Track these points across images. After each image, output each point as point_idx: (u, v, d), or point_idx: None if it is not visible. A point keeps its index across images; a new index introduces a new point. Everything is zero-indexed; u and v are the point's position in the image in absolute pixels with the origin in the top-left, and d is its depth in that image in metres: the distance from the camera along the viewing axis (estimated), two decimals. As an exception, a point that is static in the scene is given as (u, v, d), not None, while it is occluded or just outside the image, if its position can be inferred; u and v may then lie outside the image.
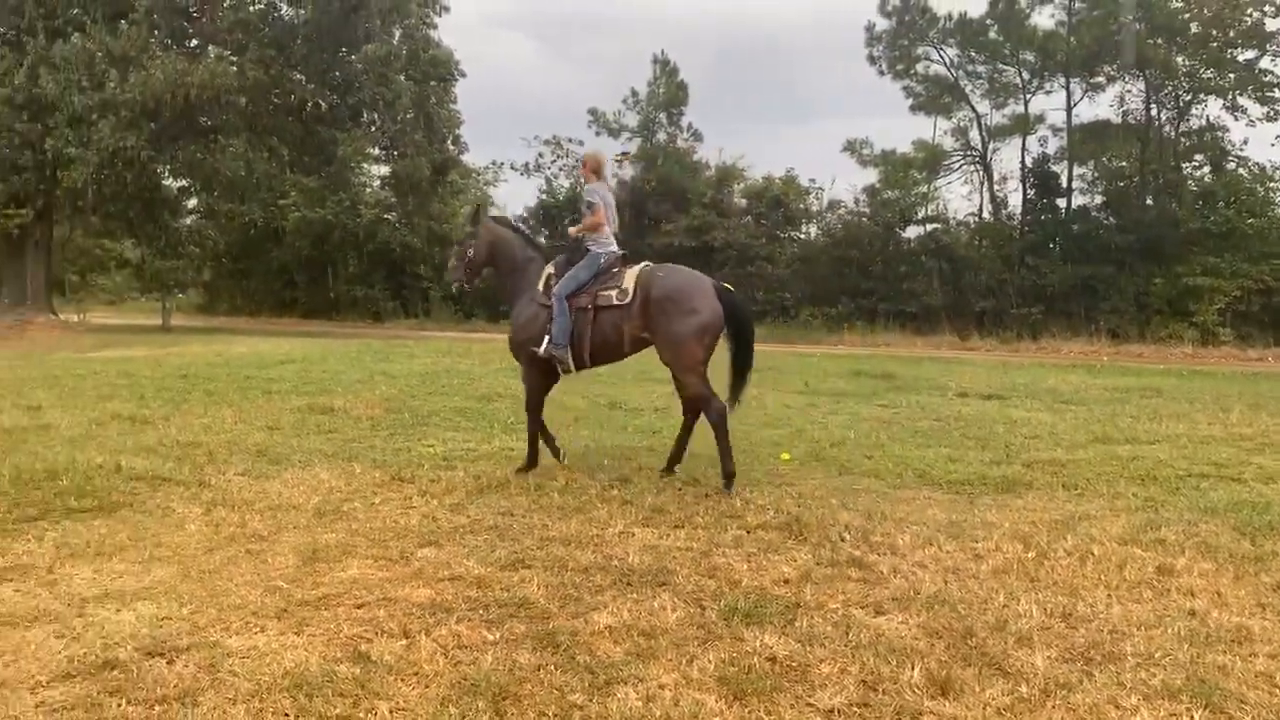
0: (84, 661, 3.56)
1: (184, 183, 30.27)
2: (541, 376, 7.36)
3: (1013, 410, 11.58)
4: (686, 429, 7.38)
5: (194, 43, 27.70)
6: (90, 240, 37.40)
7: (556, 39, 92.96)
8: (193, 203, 33.82)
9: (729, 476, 6.77)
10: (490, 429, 9.31)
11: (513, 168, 39.28)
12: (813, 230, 36.11)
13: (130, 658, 3.60)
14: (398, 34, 27.50)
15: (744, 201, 36.22)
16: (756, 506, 6.24)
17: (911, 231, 33.92)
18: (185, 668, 3.53)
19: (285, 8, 27.01)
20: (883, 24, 33.38)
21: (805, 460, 8.01)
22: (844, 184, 57.28)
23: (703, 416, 7.06)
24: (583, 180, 7.99)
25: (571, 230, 7.54)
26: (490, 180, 47.70)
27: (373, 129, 29.32)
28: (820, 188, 35.46)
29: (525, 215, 38.50)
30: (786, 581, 4.73)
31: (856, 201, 34.53)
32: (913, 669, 3.63)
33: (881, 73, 33.97)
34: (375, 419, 9.85)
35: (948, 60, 33.48)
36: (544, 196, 37.93)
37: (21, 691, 3.32)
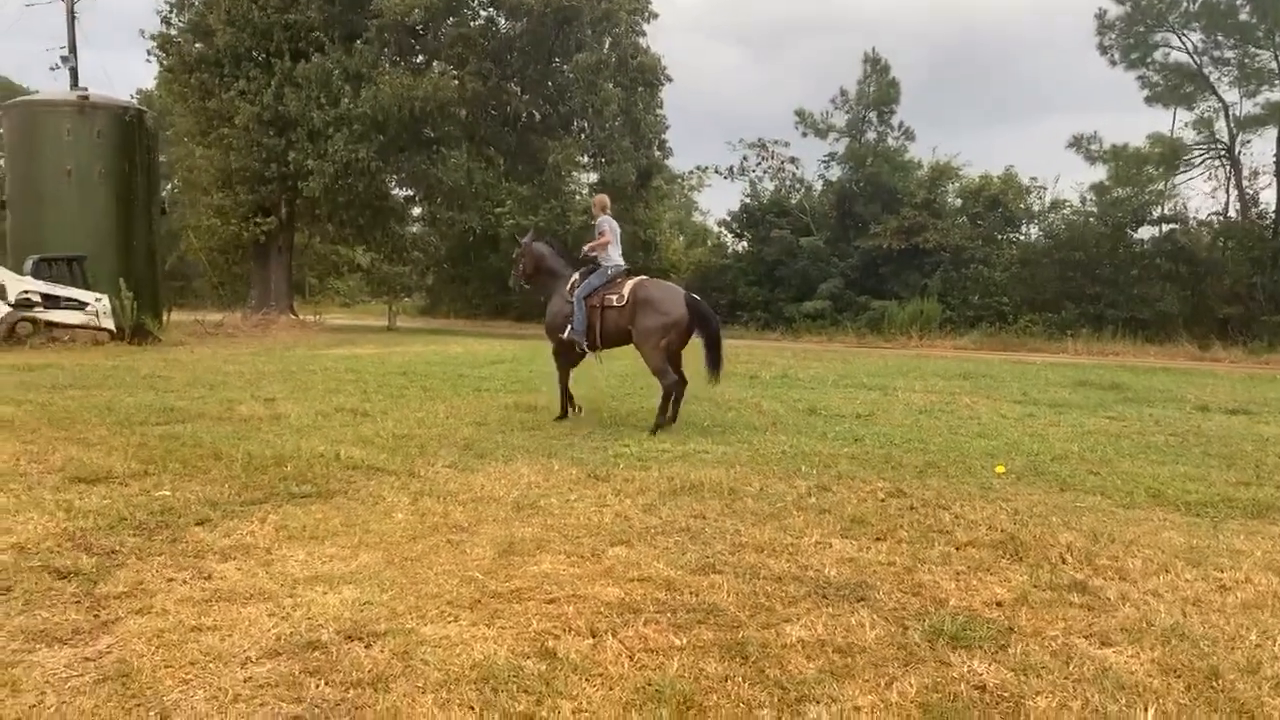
0: (290, 641, 3.71)
1: (409, 192, 32.17)
2: (568, 352, 9.98)
3: (1263, 427, 10.40)
4: (665, 398, 9.57)
5: (420, 59, 29.41)
6: (327, 247, 40.42)
7: (763, 44, 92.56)
8: (417, 211, 35.93)
9: (656, 427, 9.20)
10: (685, 431, 9.23)
11: (717, 171, 39.30)
12: (1034, 231, 34.15)
13: (331, 639, 3.72)
14: (607, 42, 28.11)
15: (959, 201, 34.68)
16: (967, 522, 5.83)
17: (1145, 232, 31.43)
18: (381, 653, 3.61)
19: (503, 21, 28.18)
20: (1115, 10, 31.06)
21: (1022, 474, 7.45)
22: (1069, 182, 53.91)
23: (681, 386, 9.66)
24: (594, 214, 10.55)
25: (585, 249, 10.15)
26: (695, 185, 48.06)
27: (582, 136, 30.09)
28: (1042, 186, 33.50)
29: (728, 219, 38.47)
30: (999, 604, 4.36)
31: (1083, 200, 32.36)
32: (1146, 710, 3.22)
33: (1114, 62, 31.63)
34: (576, 419, 9.99)
35: (1190, 46, 30.74)
36: (747, 199, 37.73)
37: (233, 665, 3.49)
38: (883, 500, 6.43)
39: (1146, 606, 4.31)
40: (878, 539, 5.45)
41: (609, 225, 10.08)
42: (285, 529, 5.34)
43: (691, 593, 4.38)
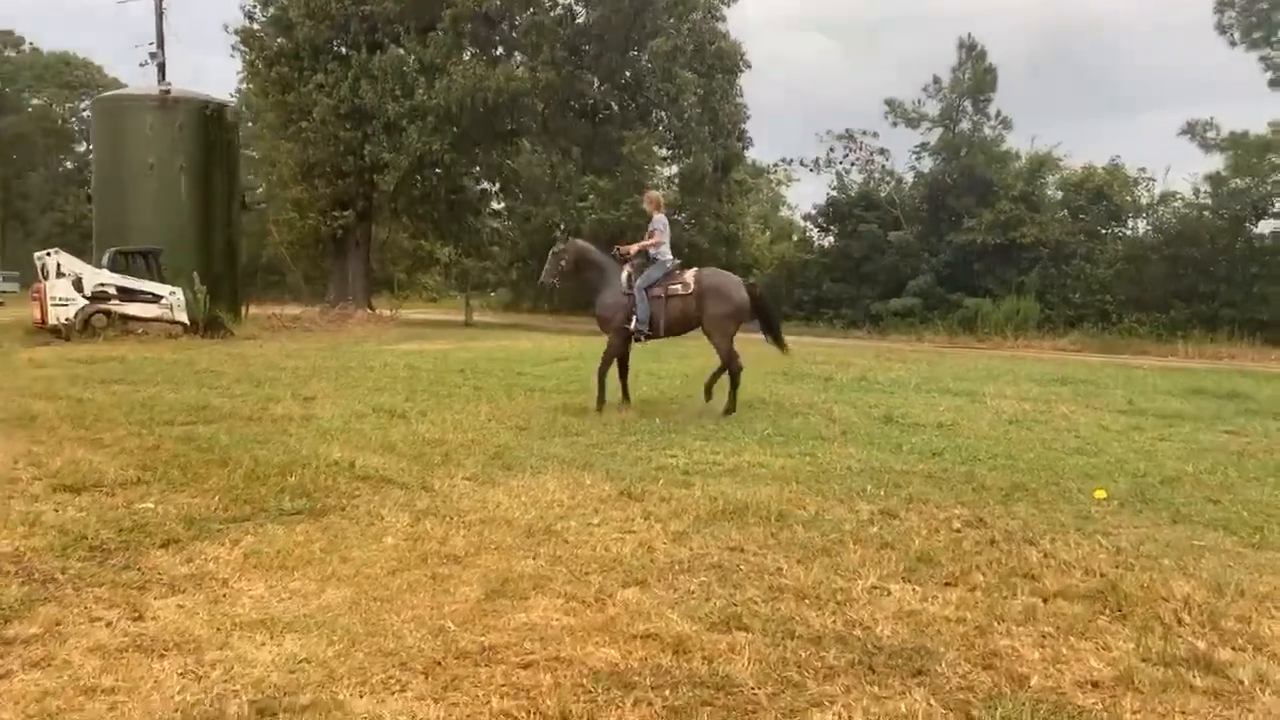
0: (189, 713, 3.01)
1: (485, 185, 31.79)
2: (622, 343, 10.19)
3: None
4: (715, 375, 10.35)
5: (499, 50, 28.98)
6: (413, 241, 40.47)
7: (852, 36, 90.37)
8: (496, 205, 35.62)
9: (729, 411, 9.83)
10: (741, 439, 8.36)
11: (803, 163, 38.02)
12: (1141, 226, 32.07)
13: (240, 713, 3.01)
14: (685, 28, 27.17)
15: (1060, 194, 32.80)
16: (1058, 564, 4.85)
17: (1265, 226, 29.17)
18: (292, 736, 2.89)
19: (580, 9, 27.56)
20: (1236, -12, 28.85)
21: (1126, 500, 6.38)
22: (1181, 173, 50.75)
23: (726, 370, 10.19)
24: (648, 210, 10.76)
25: (633, 248, 10.32)
26: (782, 179, 46.83)
27: (659, 127, 29.27)
28: (1151, 178, 31.46)
29: (814, 213, 37.24)
30: (1095, 684, 3.43)
31: (1196, 193, 30.18)
32: None
33: (1233, 43, 29.42)
34: (625, 423, 9.21)
35: (1321, 24, 28.35)
36: (833, 192, 36.42)
37: (107, 747, 2.80)
38: (958, 531, 5.48)
39: (1294, 696, 3.32)
40: (947, 584, 4.53)
41: (662, 224, 10.38)
42: (256, 554, 4.69)
43: (704, 658, 3.55)
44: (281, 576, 4.40)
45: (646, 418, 9.56)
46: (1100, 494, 6.49)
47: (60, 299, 19.09)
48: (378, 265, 49.49)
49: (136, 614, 3.89)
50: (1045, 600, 4.34)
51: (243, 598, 4.12)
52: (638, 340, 10.19)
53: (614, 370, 10.31)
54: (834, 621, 3.97)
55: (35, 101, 67.67)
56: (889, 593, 4.37)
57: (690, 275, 10.11)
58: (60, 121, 67.53)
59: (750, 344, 11.01)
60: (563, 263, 10.34)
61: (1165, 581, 4.56)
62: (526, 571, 4.51)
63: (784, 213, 46.60)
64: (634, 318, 9.90)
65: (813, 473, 7.03)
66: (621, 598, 4.19)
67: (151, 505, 5.59)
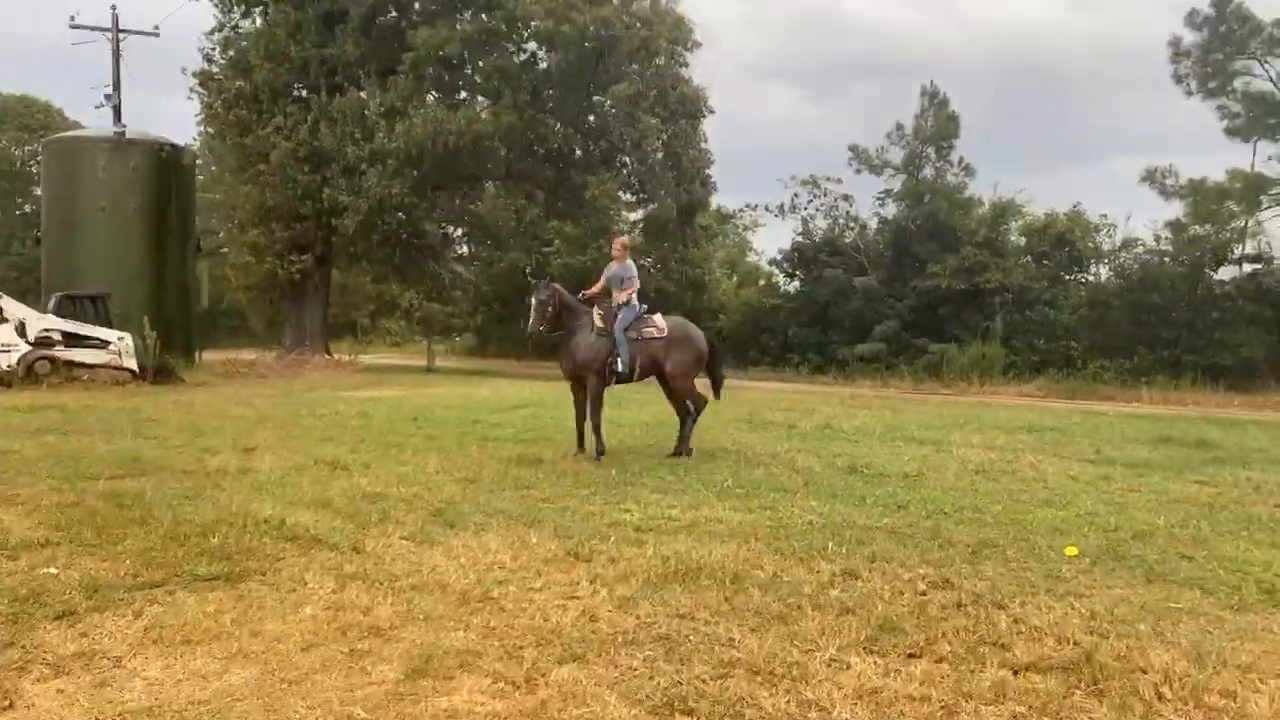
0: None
1: (448, 230, 31.45)
2: (600, 383, 10.11)
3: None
4: (684, 420, 10.46)
5: (462, 94, 28.81)
6: (376, 285, 39.96)
7: (816, 84, 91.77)
8: (460, 250, 35.28)
9: (680, 453, 10.18)
10: (700, 492, 8.01)
11: (768, 209, 38.13)
12: (1103, 272, 32.36)
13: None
14: (649, 74, 27.16)
15: (1023, 240, 33.06)
16: (1029, 630, 4.54)
17: (1225, 273, 29.51)
18: None
19: (542, 54, 27.50)
20: (1191, 38, 29.39)
21: (1098, 557, 6.09)
22: (1141, 220, 51.50)
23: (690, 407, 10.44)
24: (617, 258, 10.65)
25: (622, 296, 10.34)
26: (749, 225, 46.95)
27: (624, 171, 29.17)
28: (1113, 224, 31.79)
29: (779, 258, 37.29)
30: (1073, 777, 3.09)
31: (1157, 239, 30.53)
32: None
33: (1190, 93, 29.87)
34: (580, 474, 8.85)
35: (1274, 75, 28.95)
36: (799, 238, 36.52)
37: None
38: (923, 594, 5.16)
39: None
40: (911, 655, 4.20)
41: (633, 270, 10.59)
42: (158, 628, 4.27)
43: (641, 750, 3.18)
44: (183, 654, 3.99)
45: (604, 468, 9.21)
46: (1071, 551, 6.20)
47: (2, 345, 18.46)
48: (340, 310, 48.90)
49: (7, 702, 3.46)
50: (1016, 673, 4.01)
51: (134, 680, 3.70)
52: (608, 383, 10.20)
53: (575, 415, 10.32)
54: (788, 702, 3.62)
55: (-3, 145, 66.75)
56: (848, 666, 4.02)
57: (661, 320, 10.45)
58: (19, 164, 66.54)
59: (709, 389, 10.83)
60: (549, 309, 10.08)
61: (1143, 650, 4.26)
62: (454, 646, 4.12)
63: (751, 258, 46.65)
64: (618, 360, 9.97)
65: (772, 528, 6.69)
66: (556, 677, 3.81)
67: (55, 571, 5.15)
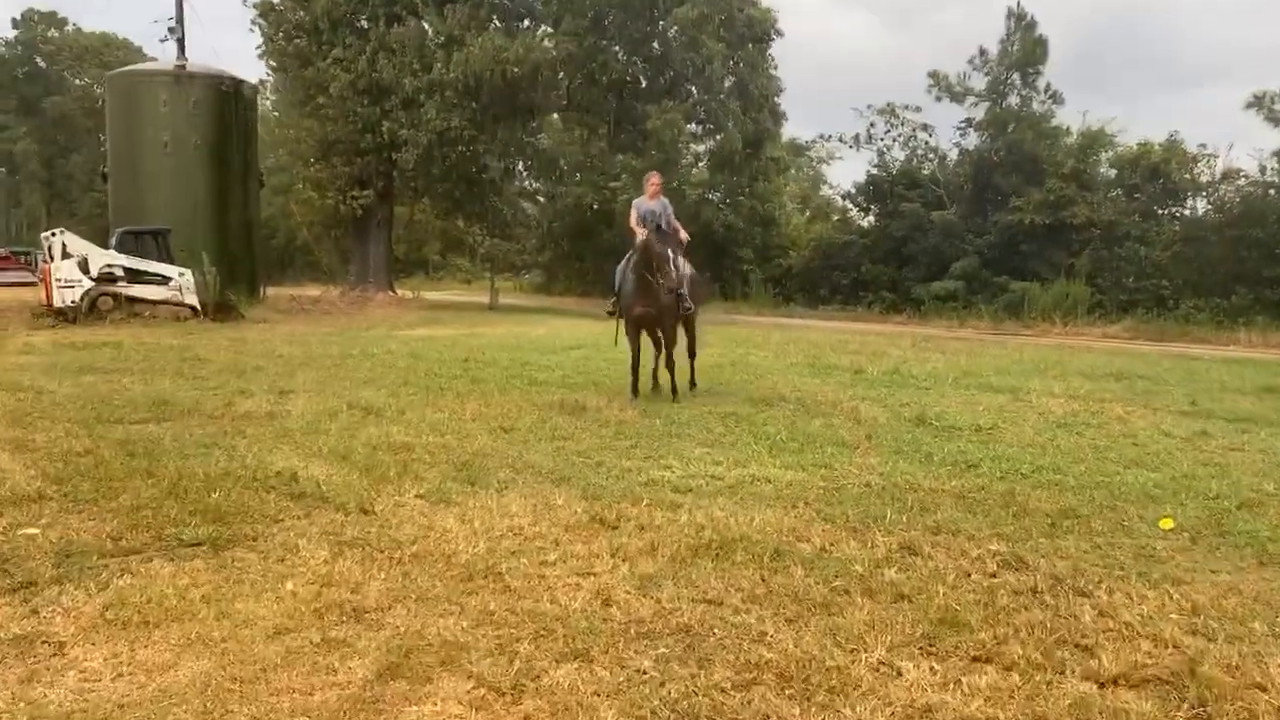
0: None
1: (507, 164, 30.75)
2: (676, 323, 9.87)
3: None
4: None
5: (525, 23, 27.90)
6: (440, 222, 39.61)
7: (897, 7, 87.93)
8: (523, 184, 34.60)
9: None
10: (751, 447, 7.38)
11: (841, 139, 36.57)
12: (1201, 205, 30.34)
13: None
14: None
15: (1113, 173, 31.16)
16: (1119, 627, 3.86)
17: (1339, 205, 27.34)
18: None
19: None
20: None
21: (1198, 532, 5.33)
22: (1245, 149, 48.46)
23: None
24: (654, 195, 10.18)
25: (684, 234, 10.12)
26: (823, 158, 45.39)
27: (688, 101, 28.02)
28: (1212, 155, 29.63)
29: (853, 191, 35.92)
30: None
31: (1263, 170, 28.40)
32: None
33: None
34: (623, 424, 8.29)
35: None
36: (874, 170, 35.02)
37: None
38: (993, 576, 4.49)
39: None
40: (976, 659, 3.56)
41: (670, 207, 10.28)
42: (119, 605, 3.83)
43: (634, 788, 2.61)
44: (135, 639, 3.53)
45: (649, 418, 8.62)
46: (1167, 524, 5.44)
47: (65, 281, 18.56)
48: (410, 246, 48.86)
49: (-85, 699, 3.04)
50: (1102, 686, 3.35)
51: (67, 674, 3.25)
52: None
53: (633, 361, 9.86)
54: (822, 722, 3.02)
55: (77, 82, 68.02)
56: (899, 674, 3.40)
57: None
58: (100, 103, 67.83)
59: (776, 330, 10.12)
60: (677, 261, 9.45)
61: (1260, 660, 3.55)
62: (442, 636, 3.60)
63: (825, 191, 45.07)
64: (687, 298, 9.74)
65: (825, 490, 6.06)
66: (549, 681, 3.26)
67: (35, 531, 4.77)
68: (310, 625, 3.69)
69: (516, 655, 3.45)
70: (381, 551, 4.60)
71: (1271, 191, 27.83)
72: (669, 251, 9.26)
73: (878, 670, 3.43)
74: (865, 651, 3.56)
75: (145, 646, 3.47)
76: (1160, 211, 30.36)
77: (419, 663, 3.37)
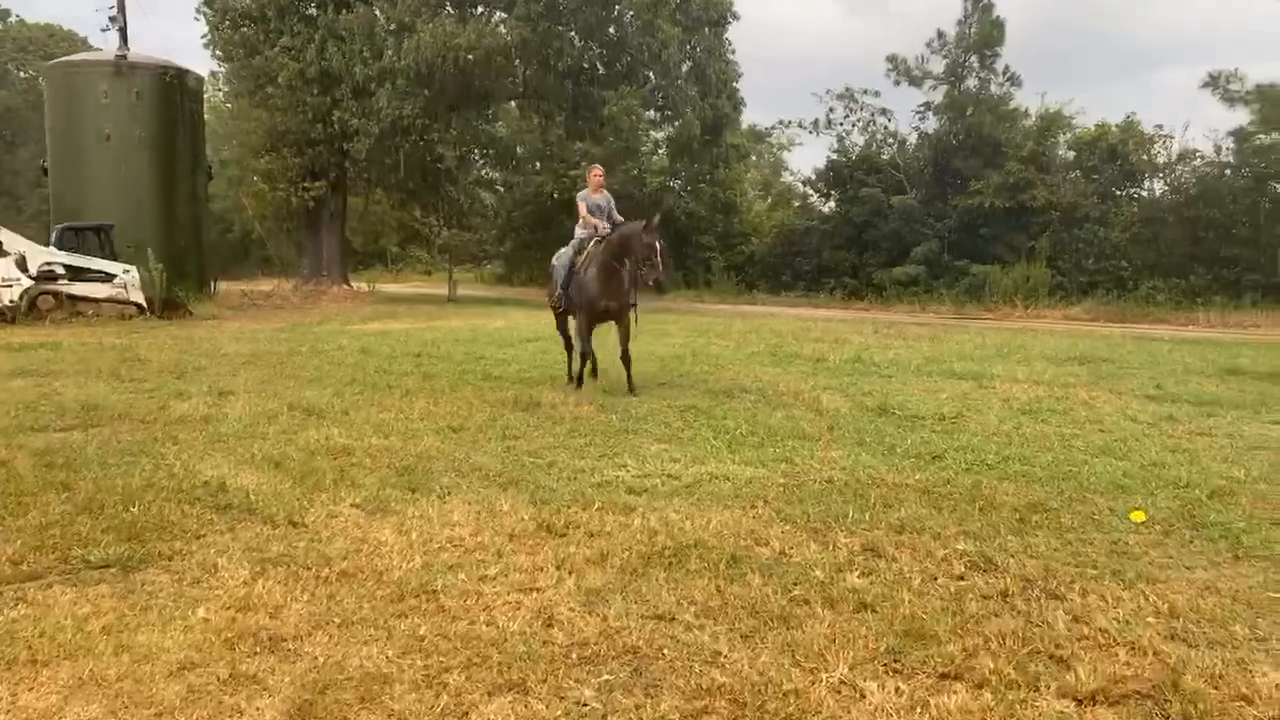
0: None
1: (463, 152, 30.18)
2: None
3: None
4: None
5: (479, 9, 27.29)
6: (397, 213, 38.91)
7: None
8: (480, 174, 34.01)
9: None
10: (709, 443, 7.10)
11: (800, 125, 36.31)
12: (1158, 186, 30.43)
13: None
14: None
15: (1071, 154, 31.22)
16: (1094, 634, 3.63)
17: (1293, 185, 27.48)
18: None
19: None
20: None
21: (1170, 523, 5.13)
22: (1201, 130, 48.86)
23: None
24: (598, 188, 9.90)
25: (605, 227, 9.58)
26: (784, 144, 45.19)
27: (646, 87, 27.60)
28: (1169, 136, 29.65)
29: (813, 177, 35.72)
30: None
31: (1218, 150, 28.42)
32: None
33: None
34: (578, 420, 7.98)
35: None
36: (834, 155, 34.84)
37: None
38: (960, 580, 4.25)
39: None
40: (944, 675, 3.30)
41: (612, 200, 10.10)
42: (7, 641, 3.47)
43: None
44: (20, 680, 3.18)
45: (605, 413, 8.32)
46: (1138, 516, 5.24)
47: (3, 280, 17.86)
48: (368, 238, 48.04)
49: None
50: (1080, 703, 3.11)
51: (-65, 726, 2.90)
52: None
53: (580, 353, 9.98)
54: (778, 758, 2.74)
55: (21, 75, 66.14)
56: (862, 696, 3.14)
57: None
58: (44, 96, 66.02)
59: (738, 319, 9.83)
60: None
61: (1245, 669, 3.33)
62: (364, 667, 3.28)
63: (786, 178, 44.86)
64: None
65: (785, 487, 5.80)
66: (480, 716, 2.96)
67: (-74, 557, 4.37)
68: (219, 658, 3.35)
69: (445, 688, 3.14)
70: (308, 569, 4.27)
71: (1227, 172, 27.98)
72: (658, 241, 9.06)
73: (839, 692, 3.16)
74: (825, 671, 3.29)
75: (30, 689, 3.12)
76: (1119, 193, 30.42)
77: (335, 700, 3.05)
